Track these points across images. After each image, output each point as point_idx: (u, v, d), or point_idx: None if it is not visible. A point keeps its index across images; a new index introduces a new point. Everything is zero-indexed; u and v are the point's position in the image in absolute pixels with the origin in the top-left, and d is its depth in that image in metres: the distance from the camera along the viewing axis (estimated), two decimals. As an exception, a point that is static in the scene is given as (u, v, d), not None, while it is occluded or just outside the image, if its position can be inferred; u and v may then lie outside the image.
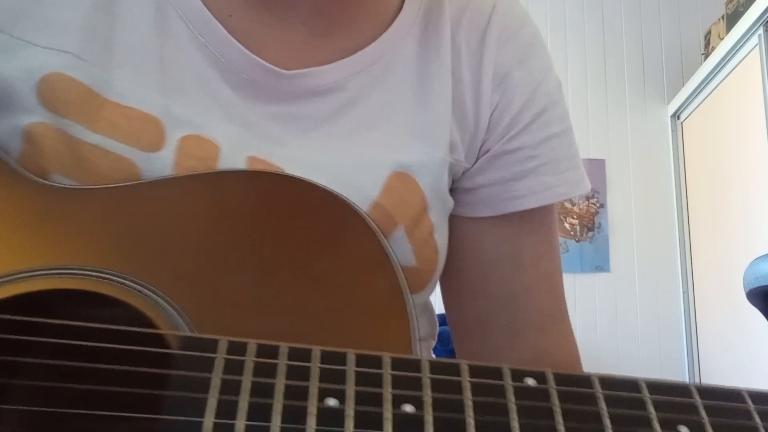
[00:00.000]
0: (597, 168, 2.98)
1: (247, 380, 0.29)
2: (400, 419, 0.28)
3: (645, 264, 2.99)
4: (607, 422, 0.28)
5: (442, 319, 0.61)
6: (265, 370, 0.29)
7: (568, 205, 2.95)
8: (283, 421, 0.27)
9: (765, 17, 2.23)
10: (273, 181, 0.43)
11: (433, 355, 0.63)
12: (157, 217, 0.41)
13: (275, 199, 0.41)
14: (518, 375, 0.29)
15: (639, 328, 2.96)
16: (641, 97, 3.13)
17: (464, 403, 0.28)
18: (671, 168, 3.04)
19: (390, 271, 0.39)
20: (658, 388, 0.29)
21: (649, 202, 3.04)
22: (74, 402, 0.30)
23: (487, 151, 0.54)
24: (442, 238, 0.53)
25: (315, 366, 0.29)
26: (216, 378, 0.29)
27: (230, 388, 0.28)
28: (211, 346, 0.30)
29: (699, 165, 2.88)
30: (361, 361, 0.30)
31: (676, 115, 3.05)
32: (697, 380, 2.87)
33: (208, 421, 0.27)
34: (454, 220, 0.56)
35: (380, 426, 0.27)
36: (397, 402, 0.28)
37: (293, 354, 0.30)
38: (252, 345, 0.30)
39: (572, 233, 2.97)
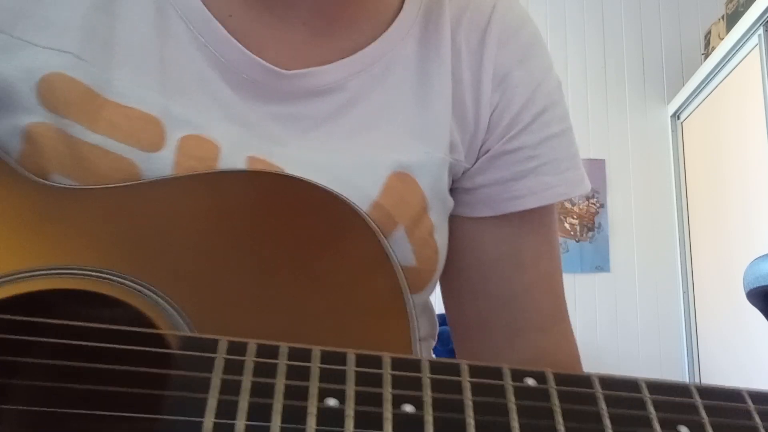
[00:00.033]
0: (597, 168, 2.98)
1: (247, 380, 0.29)
2: (400, 419, 0.28)
3: (645, 264, 2.99)
4: (607, 422, 0.28)
5: (442, 319, 0.61)
6: (265, 370, 0.29)
7: (568, 205, 2.95)
8: (283, 421, 0.27)
9: (765, 17, 2.23)
10: (273, 181, 0.43)
11: (433, 355, 0.63)
12: (157, 217, 0.41)
13: (275, 199, 0.41)
14: (518, 375, 0.29)
15: (639, 328, 2.96)
16: (641, 97, 3.13)
17: (464, 403, 0.28)
18: (671, 168, 3.04)
19: (390, 271, 0.39)
20: (658, 388, 0.29)
21: (649, 202, 3.04)
22: (74, 402, 0.30)
23: (487, 151, 0.54)
24: (442, 238, 0.53)
25: (315, 366, 0.29)
26: (216, 378, 0.29)
27: (230, 388, 0.28)
28: (211, 346, 0.30)
29: (699, 165, 2.88)
30: (361, 361, 0.30)
31: (676, 115, 3.05)
32: (697, 380, 2.87)
33: (208, 421, 0.27)
34: (454, 220, 0.56)
35: (380, 426, 0.27)
36: (397, 402, 0.28)
37: (293, 354, 0.30)
38: (252, 345, 0.30)
39: (572, 233, 2.97)
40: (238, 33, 0.49)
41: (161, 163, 0.45)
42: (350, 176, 0.48)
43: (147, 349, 0.31)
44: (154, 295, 0.36)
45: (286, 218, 0.41)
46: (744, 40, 2.37)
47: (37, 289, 0.36)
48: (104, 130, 0.44)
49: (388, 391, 0.29)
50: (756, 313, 0.99)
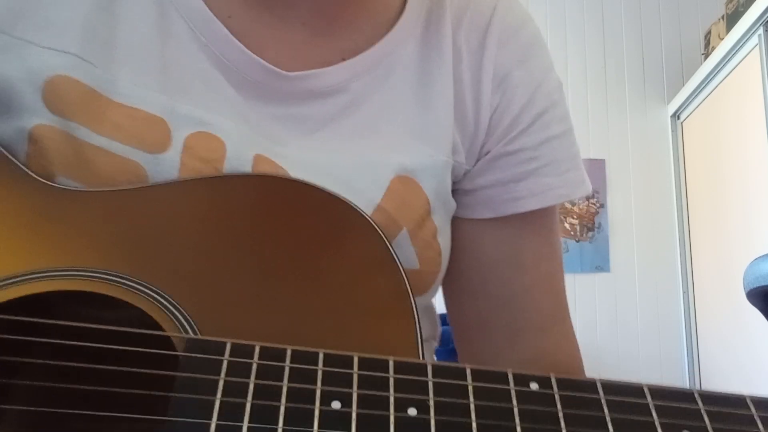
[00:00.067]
0: (597, 168, 2.98)
1: (251, 382, 0.29)
2: (403, 422, 0.28)
3: (645, 264, 2.99)
4: (611, 427, 0.28)
5: (443, 319, 0.61)
6: (270, 373, 0.29)
7: (568, 205, 2.95)
8: (287, 424, 0.27)
9: (765, 17, 2.23)
10: (274, 184, 0.43)
11: (434, 357, 0.63)
12: (160, 219, 0.41)
13: (277, 202, 0.41)
14: (522, 379, 0.30)
15: (639, 328, 2.96)
16: (641, 97, 3.13)
17: (468, 407, 0.28)
18: (671, 168, 3.04)
19: (394, 272, 0.39)
20: (661, 393, 0.30)
21: (649, 202, 3.04)
22: (78, 403, 0.30)
23: (488, 153, 0.54)
24: (445, 240, 0.53)
25: (319, 369, 0.30)
26: (221, 380, 0.29)
27: (235, 390, 0.28)
28: (217, 348, 0.30)
29: (699, 165, 2.88)
30: (365, 364, 0.30)
31: (676, 115, 3.05)
32: (697, 380, 2.87)
33: (213, 422, 0.27)
34: (454, 221, 0.56)
35: (384, 429, 0.28)
36: (401, 405, 0.28)
37: (298, 357, 0.30)
38: (257, 348, 0.30)
39: (572, 233, 2.97)
40: (238, 33, 0.49)
41: (167, 165, 0.45)
42: (353, 179, 0.48)
43: (153, 351, 0.31)
44: (158, 297, 0.36)
45: (288, 220, 0.41)
46: (744, 40, 2.37)
47: (41, 290, 0.36)
48: (109, 132, 0.44)
49: (392, 395, 0.29)
50: (756, 313, 0.99)
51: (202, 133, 0.46)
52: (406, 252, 0.49)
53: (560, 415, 0.28)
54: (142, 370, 0.30)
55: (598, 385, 0.29)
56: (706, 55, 2.83)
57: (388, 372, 0.30)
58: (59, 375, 0.31)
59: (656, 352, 2.93)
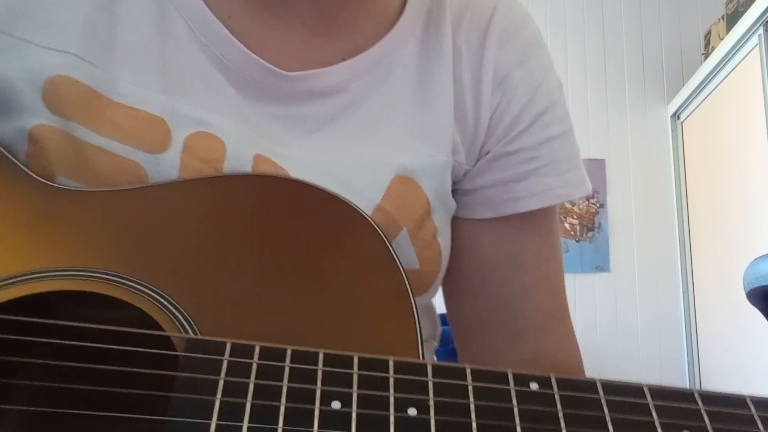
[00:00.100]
0: (597, 168, 2.98)
1: (252, 382, 0.29)
2: (403, 422, 0.28)
3: (645, 264, 2.99)
4: (611, 428, 0.28)
5: (443, 319, 0.61)
6: (270, 373, 0.29)
7: (568, 205, 2.95)
8: (287, 424, 0.27)
9: (765, 17, 2.23)
10: (274, 184, 0.43)
11: (435, 357, 0.63)
12: (160, 219, 0.41)
13: (277, 202, 0.41)
14: (522, 379, 0.30)
15: (639, 328, 2.96)
16: (641, 97, 3.13)
17: (468, 407, 0.28)
18: (671, 168, 3.04)
19: (394, 271, 0.39)
20: (661, 393, 0.30)
21: (649, 202, 3.04)
22: (78, 403, 0.30)
23: (488, 153, 0.54)
24: (445, 240, 0.53)
25: (319, 369, 0.30)
26: (221, 380, 0.29)
27: (235, 390, 0.28)
28: (217, 348, 0.30)
29: (699, 165, 2.88)
30: (365, 364, 0.30)
31: (676, 115, 3.05)
32: (697, 380, 2.87)
33: (213, 422, 0.27)
34: (454, 221, 0.56)
35: (384, 429, 0.28)
36: (401, 405, 0.28)
37: (298, 357, 0.30)
38: (257, 348, 0.30)
39: (572, 233, 2.97)
40: (238, 33, 0.49)
41: (167, 164, 0.45)
42: (353, 179, 0.48)
43: (153, 351, 0.31)
44: (158, 297, 0.36)
45: (288, 220, 0.41)
46: (744, 40, 2.37)
47: (40, 290, 0.36)
48: (109, 132, 0.44)
49: (392, 395, 0.29)
50: (756, 313, 0.99)
51: (202, 133, 0.46)
52: (406, 252, 0.49)
53: (560, 415, 0.28)
54: (142, 370, 0.30)
55: (598, 385, 0.29)
56: (706, 55, 2.83)
57: (388, 372, 0.30)
58: (59, 375, 0.31)
59: (656, 352, 2.93)
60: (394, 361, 0.30)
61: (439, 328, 0.60)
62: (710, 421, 0.28)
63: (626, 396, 0.29)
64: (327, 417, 0.28)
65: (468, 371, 0.30)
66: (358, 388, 0.29)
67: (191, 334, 0.34)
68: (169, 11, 0.48)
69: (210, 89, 0.48)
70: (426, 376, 0.29)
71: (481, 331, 0.58)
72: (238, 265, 0.39)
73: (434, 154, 0.52)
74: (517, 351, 0.57)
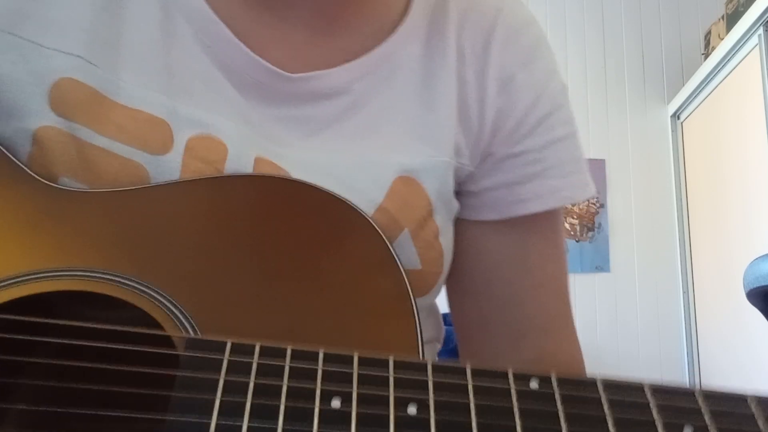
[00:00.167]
0: (597, 168, 2.98)
1: (252, 381, 0.29)
2: (403, 421, 0.28)
3: (645, 264, 2.99)
4: (611, 426, 0.28)
5: (444, 319, 0.61)
6: (270, 372, 0.29)
7: (568, 205, 2.94)
8: (287, 422, 0.27)
9: (765, 17, 2.23)
10: (275, 184, 0.43)
11: (437, 358, 0.63)
12: (162, 220, 0.41)
13: (278, 202, 0.41)
14: (522, 378, 0.30)
15: (639, 328, 2.96)
16: (641, 97, 3.13)
17: (468, 406, 0.28)
18: (671, 168, 3.05)
19: (394, 271, 0.39)
20: (662, 392, 0.30)
21: (649, 202, 3.04)
22: (78, 403, 0.30)
23: (492, 155, 0.54)
24: (447, 241, 0.53)
25: (319, 367, 0.30)
26: (221, 379, 0.29)
27: (235, 388, 0.29)
28: (217, 347, 0.30)
29: (699, 165, 2.88)
30: (365, 362, 0.30)
31: (676, 115, 3.05)
32: (697, 380, 2.87)
33: (214, 421, 0.27)
34: (459, 223, 0.56)
35: (384, 427, 0.28)
36: (401, 404, 0.28)
37: (298, 355, 0.30)
38: (257, 346, 0.30)
39: (572, 233, 2.98)
40: (241, 34, 0.49)
41: (169, 166, 0.45)
42: (355, 179, 0.48)
43: (153, 350, 0.31)
44: (160, 297, 0.36)
45: (288, 220, 0.41)
46: (744, 40, 2.37)
47: (42, 290, 0.36)
48: (112, 133, 0.44)
49: (392, 393, 0.29)
50: (756, 313, 0.99)
51: (204, 135, 0.46)
52: (407, 252, 0.49)
53: (561, 413, 0.28)
54: (142, 369, 0.30)
55: (599, 384, 0.29)
56: (706, 55, 2.83)
57: (388, 370, 0.30)
58: (60, 375, 0.31)
59: (656, 352, 2.93)
60: (395, 360, 0.30)
61: (443, 330, 0.60)
62: (711, 419, 0.28)
63: (627, 394, 0.29)
64: (327, 415, 0.28)
65: (468, 370, 0.30)
66: (358, 386, 0.29)
67: (191, 334, 0.34)
68: (173, 13, 0.48)
69: (212, 91, 0.48)
70: (426, 374, 0.29)
71: (483, 332, 0.58)
72: (239, 265, 0.39)
73: (436, 154, 0.52)
74: (519, 352, 0.57)
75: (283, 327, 0.36)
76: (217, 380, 0.29)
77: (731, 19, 2.60)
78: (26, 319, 0.32)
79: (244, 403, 0.28)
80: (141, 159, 0.44)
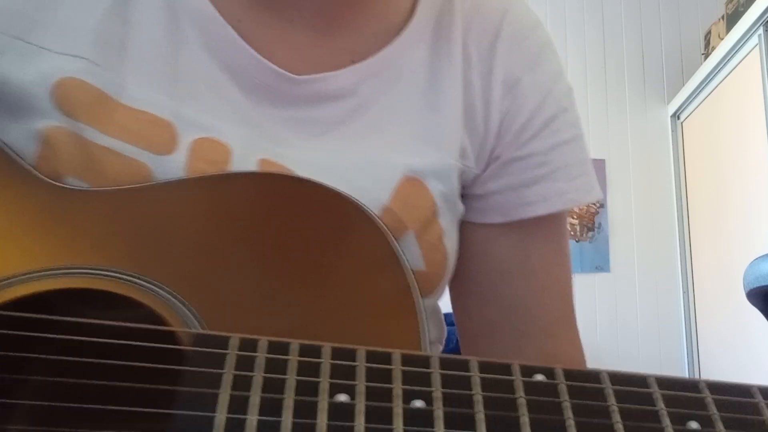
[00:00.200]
0: (597, 168, 2.94)
1: (258, 376, 0.29)
2: (410, 414, 0.28)
3: (645, 264, 3.00)
4: (617, 417, 0.28)
5: (445, 319, 0.61)
6: (277, 366, 0.29)
7: (573, 207, 2.94)
8: (294, 417, 0.28)
9: (765, 17, 2.23)
10: (280, 182, 0.43)
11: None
12: (166, 217, 0.41)
13: (282, 200, 0.41)
14: (528, 371, 0.30)
15: (639, 328, 2.96)
16: (641, 97, 3.13)
17: (474, 399, 0.29)
18: (671, 168, 3.05)
19: (398, 270, 0.39)
20: (667, 383, 0.30)
21: (649, 202, 3.04)
22: (84, 399, 0.30)
23: (498, 158, 0.54)
24: (451, 243, 0.53)
25: (326, 362, 0.30)
26: (228, 374, 0.29)
27: (242, 383, 0.29)
28: (223, 342, 0.30)
29: (699, 165, 2.88)
30: (371, 357, 0.30)
31: (676, 115, 3.05)
32: (697, 380, 2.87)
33: (221, 415, 0.27)
34: (464, 226, 0.56)
35: (391, 421, 0.28)
36: (408, 397, 0.28)
37: (304, 350, 0.30)
38: (263, 341, 0.30)
39: (572, 233, 2.98)
40: (247, 37, 0.49)
41: (173, 166, 0.45)
42: (360, 180, 0.48)
43: (159, 345, 0.31)
44: (166, 294, 0.36)
45: (293, 218, 0.41)
46: (744, 40, 2.38)
47: (45, 288, 0.36)
48: (116, 133, 0.45)
49: (398, 387, 0.29)
50: (756, 313, 0.99)
51: (209, 138, 0.46)
52: (412, 253, 0.49)
53: (566, 405, 0.28)
54: (150, 365, 0.30)
55: (604, 376, 0.30)
56: (706, 55, 2.83)
57: (394, 365, 0.30)
58: (64, 372, 0.31)
59: (656, 352, 2.93)
60: (401, 354, 0.30)
61: (445, 330, 0.60)
62: (716, 409, 0.29)
63: (632, 386, 0.29)
64: (334, 409, 0.28)
65: (473, 363, 0.30)
66: (365, 380, 0.29)
67: (199, 330, 0.34)
68: (179, 16, 0.48)
69: (217, 94, 0.48)
70: (432, 368, 0.30)
71: (487, 334, 0.58)
72: (243, 263, 0.39)
73: (441, 157, 0.52)
74: (522, 354, 0.57)
75: (288, 324, 0.37)
76: (225, 375, 0.29)
77: (731, 19, 2.61)
78: (33, 316, 0.32)
79: (252, 398, 0.28)
80: (145, 159, 0.45)
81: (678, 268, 2.97)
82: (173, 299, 0.36)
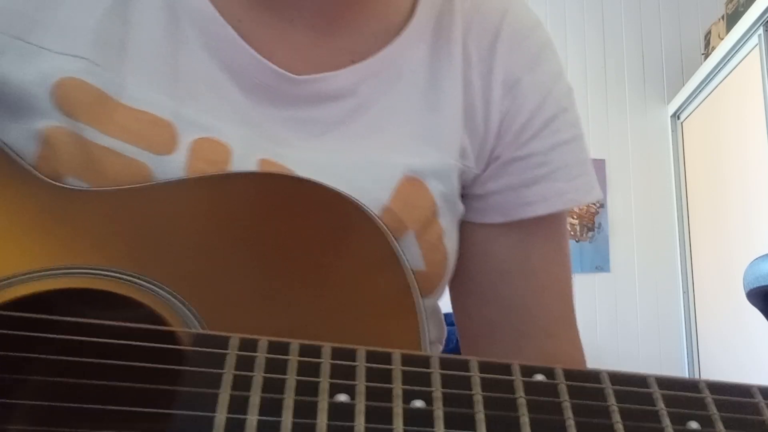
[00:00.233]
0: (597, 168, 2.94)
1: (258, 376, 0.29)
2: (410, 414, 0.28)
3: (645, 264, 3.00)
4: (617, 417, 0.28)
5: (445, 319, 0.61)
6: (277, 366, 0.29)
7: (573, 207, 2.94)
8: (294, 416, 0.28)
9: (765, 17, 2.23)
10: (280, 182, 0.43)
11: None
12: (167, 218, 0.41)
13: (282, 200, 0.41)
14: (528, 371, 0.30)
15: (639, 328, 2.96)
16: (641, 97, 3.13)
17: (474, 399, 0.29)
18: (671, 168, 3.05)
19: (398, 270, 0.39)
20: (667, 383, 0.30)
21: (649, 202, 3.04)
22: (85, 399, 0.30)
23: (498, 158, 0.54)
24: (451, 243, 0.53)
25: (326, 362, 0.30)
26: (228, 374, 0.29)
27: (242, 383, 0.29)
28: (223, 342, 0.30)
29: (699, 165, 2.88)
30: (371, 357, 0.30)
31: (676, 115, 3.05)
32: (697, 380, 2.87)
33: (221, 415, 0.27)
34: (464, 226, 0.56)
35: (391, 421, 0.28)
36: (408, 397, 0.28)
37: (304, 350, 0.30)
38: (263, 341, 0.30)
39: (572, 233, 2.98)
40: (247, 37, 0.49)
41: (173, 166, 0.45)
42: (360, 180, 0.48)
43: (159, 345, 0.31)
44: (166, 294, 0.36)
45: (293, 218, 0.41)
46: (744, 40, 2.38)
47: (45, 288, 0.36)
48: (116, 133, 0.45)
49: (398, 387, 0.29)
50: (756, 313, 0.99)
51: (209, 138, 0.46)
52: (412, 253, 0.49)
53: (566, 405, 0.29)
54: (150, 365, 0.30)
55: (604, 376, 0.30)
56: (706, 55, 2.83)
57: (394, 364, 0.30)
58: (64, 372, 0.31)
59: (656, 352, 2.93)
60: (401, 354, 0.30)
61: (445, 331, 0.60)
62: (716, 409, 0.29)
63: (632, 386, 0.29)
64: (334, 409, 0.28)
65: (473, 363, 0.30)
66: (365, 380, 0.29)
67: (199, 330, 0.34)
68: (179, 16, 0.48)
69: (217, 94, 0.48)
70: (432, 368, 0.30)
71: (487, 334, 0.59)
72: (244, 262, 0.39)
73: (441, 157, 0.52)
74: (522, 354, 0.57)
75: (288, 324, 0.37)
76: (226, 375, 0.29)
77: (731, 19, 2.61)
78: (34, 316, 0.32)
79: (252, 398, 0.28)
80: (145, 159, 0.45)
81: (678, 268, 2.97)
82: (173, 299, 0.36)
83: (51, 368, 0.32)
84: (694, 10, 3.19)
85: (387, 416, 0.28)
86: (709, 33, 2.94)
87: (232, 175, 0.45)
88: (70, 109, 0.44)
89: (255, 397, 0.28)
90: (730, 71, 2.53)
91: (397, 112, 0.52)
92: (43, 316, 0.32)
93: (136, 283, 0.37)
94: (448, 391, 0.29)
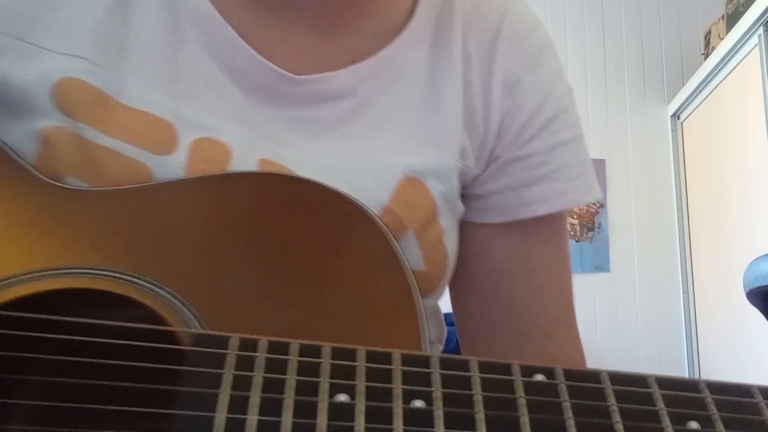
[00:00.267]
0: (597, 168, 2.94)
1: (258, 376, 0.29)
2: (410, 414, 0.28)
3: (645, 264, 3.00)
4: (617, 417, 0.28)
5: (445, 319, 0.61)
6: (277, 366, 0.29)
7: (573, 207, 2.94)
8: (294, 416, 0.28)
9: (765, 17, 2.23)
10: (280, 182, 0.43)
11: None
12: (167, 218, 0.41)
13: (282, 200, 0.41)
14: (528, 371, 0.30)
15: (639, 328, 2.96)
16: (641, 97, 3.13)
17: (474, 399, 0.29)
18: (671, 168, 3.05)
19: (398, 270, 0.39)
20: (667, 383, 0.30)
21: (649, 202, 3.04)
22: (85, 399, 0.30)
23: (498, 158, 0.54)
24: (451, 243, 0.53)
25: (326, 362, 0.30)
26: (228, 374, 0.29)
27: (242, 383, 0.29)
28: (223, 342, 0.30)
29: (699, 165, 2.88)
30: (371, 357, 0.30)
31: (676, 115, 3.05)
32: (697, 380, 2.87)
33: (221, 415, 0.27)
34: (464, 226, 0.56)
35: (391, 421, 0.28)
36: (408, 397, 0.28)
37: (304, 350, 0.30)
38: (263, 341, 0.30)
39: (572, 233, 2.98)
40: (247, 37, 0.49)
41: (173, 166, 0.45)
42: (360, 180, 0.48)
43: (159, 345, 0.31)
44: (166, 294, 0.36)
45: (293, 218, 0.41)
46: (744, 40, 2.38)
47: (44, 289, 0.36)
48: (116, 133, 0.45)
49: (398, 387, 0.29)
50: (756, 313, 0.99)
51: (209, 138, 0.46)
52: (412, 253, 0.49)
53: (566, 405, 0.29)
54: (150, 365, 0.30)
55: (604, 376, 0.30)
56: (706, 55, 2.83)
57: (394, 364, 0.30)
58: (64, 373, 0.31)
59: (656, 352, 2.93)
60: (401, 354, 0.30)
61: (445, 331, 0.60)
62: (716, 409, 0.29)
63: (632, 386, 0.29)
64: (334, 409, 0.28)
65: (473, 363, 0.30)
66: (365, 380, 0.29)
67: (199, 330, 0.34)
68: (179, 16, 0.48)
69: (217, 94, 0.48)
70: (432, 368, 0.30)
71: (487, 334, 0.59)
72: (244, 263, 0.39)
73: (441, 157, 0.52)
74: (522, 354, 0.57)
75: (288, 324, 0.37)
76: (226, 375, 0.29)
77: (731, 19, 2.61)
78: (34, 316, 0.32)
79: (252, 398, 0.28)
80: (145, 159, 0.45)
81: (678, 268, 2.97)
82: (173, 299, 0.36)
83: (51, 368, 0.32)
84: (694, 10, 3.19)
85: (387, 416, 0.28)
86: (709, 33, 2.94)
87: (232, 175, 0.45)
88: (70, 109, 0.44)
89: (255, 397, 0.28)
90: (730, 71, 2.53)
91: (397, 112, 0.52)
92: (43, 316, 0.32)
93: (136, 283, 0.37)
94: (448, 391, 0.29)
